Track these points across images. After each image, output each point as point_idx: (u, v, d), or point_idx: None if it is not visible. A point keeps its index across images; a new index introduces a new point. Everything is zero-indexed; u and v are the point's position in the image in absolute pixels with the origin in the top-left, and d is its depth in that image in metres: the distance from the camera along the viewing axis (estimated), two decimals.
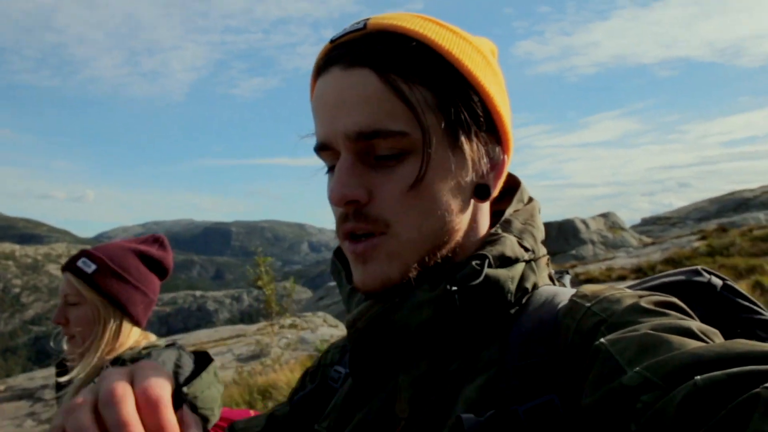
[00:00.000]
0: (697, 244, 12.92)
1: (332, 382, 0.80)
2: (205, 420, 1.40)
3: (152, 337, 1.65)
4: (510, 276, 0.63)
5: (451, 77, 0.63)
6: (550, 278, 0.71)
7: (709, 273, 0.71)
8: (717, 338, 0.48)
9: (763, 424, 0.34)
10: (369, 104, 0.61)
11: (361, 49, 0.62)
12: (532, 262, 0.67)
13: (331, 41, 0.65)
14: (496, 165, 0.68)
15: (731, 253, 10.86)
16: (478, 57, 0.66)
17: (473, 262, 0.62)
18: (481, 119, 0.65)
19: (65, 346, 1.57)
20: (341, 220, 0.64)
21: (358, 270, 0.64)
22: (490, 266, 0.62)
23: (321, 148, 0.65)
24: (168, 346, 1.59)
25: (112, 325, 1.53)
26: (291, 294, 10.94)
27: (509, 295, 0.63)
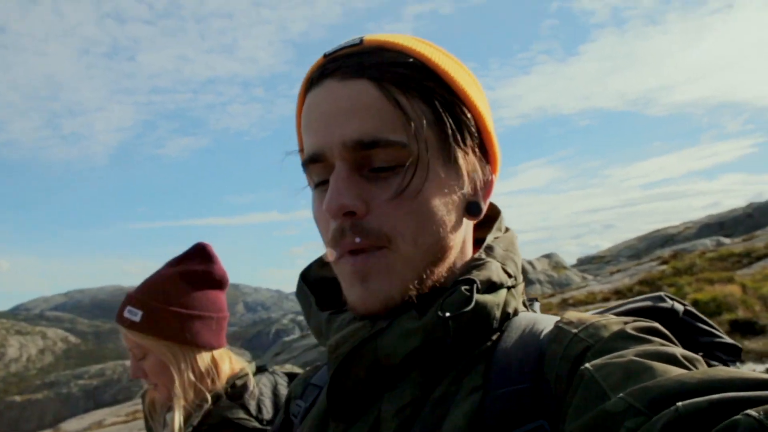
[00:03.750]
0: (661, 267, 14.12)
1: (293, 417, 0.79)
2: None
3: (241, 361, 1.57)
4: (496, 302, 0.63)
5: (446, 94, 0.64)
6: (524, 304, 0.72)
7: (672, 299, 0.74)
8: (700, 365, 0.49)
9: None
10: (368, 114, 0.61)
11: (359, 62, 0.62)
12: (513, 289, 0.67)
13: (325, 55, 0.66)
14: (485, 183, 0.69)
15: (695, 272, 12.02)
16: (469, 78, 0.68)
17: (462, 288, 0.61)
18: (475, 136, 0.67)
19: (155, 396, 1.49)
20: (338, 235, 0.62)
21: (355, 289, 0.63)
22: (477, 291, 0.62)
23: (312, 161, 0.64)
24: (259, 369, 1.55)
25: (186, 363, 1.44)
26: None
27: (494, 321, 0.63)
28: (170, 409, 1.44)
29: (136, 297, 1.46)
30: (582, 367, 0.50)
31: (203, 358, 1.47)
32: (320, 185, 0.66)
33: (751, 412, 0.36)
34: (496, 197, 0.73)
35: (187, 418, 1.40)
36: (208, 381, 1.46)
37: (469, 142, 0.66)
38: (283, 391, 1.48)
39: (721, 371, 0.44)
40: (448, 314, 0.59)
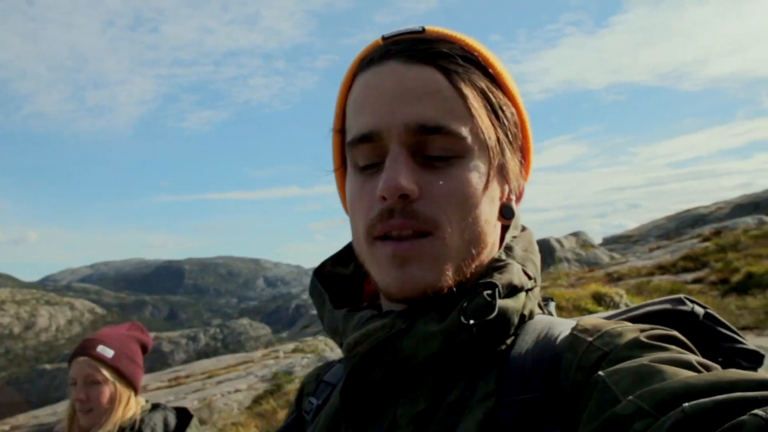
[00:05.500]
0: (703, 244, 14.23)
1: (305, 414, 0.78)
2: None
3: (142, 401, 2.04)
4: (516, 309, 0.63)
5: (501, 95, 0.66)
6: (539, 306, 0.71)
7: (692, 302, 0.72)
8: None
9: None
10: (434, 99, 0.61)
11: (425, 48, 0.62)
12: (530, 291, 0.66)
13: (384, 38, 0.66)
14: (519, 190, 0.70)
15: (740, 249, 12.00)
16: (519, 93, 0.69)
17: (485, 293, 0.61)
18: (519, 141, 0.68)
19: (82, 419, 1.91)
20: (385, 216, 0.61)
21: (392, 273, 0.62)
22: (499, 296, 0.61)
23: (363, 140, 0.63)
24: (154, 407, 2.02)
25: (124, 399, 1.92)
26: None
27: (512, 328, 0.63)
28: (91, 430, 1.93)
29: (109, 340, 1.97)
30: (595, 375, 0.51)
31: (132, 399, 1.98)
32: (366, 169, 0.65)
33: (758, 411, 0.37)
34: None
35: None
36: (124, 416, 1.93)
37: (516, 145, 0.68)
38: (172, 422, 1.96)
39: (730, 373, 0.44)
40: (472, 322, 0.58)
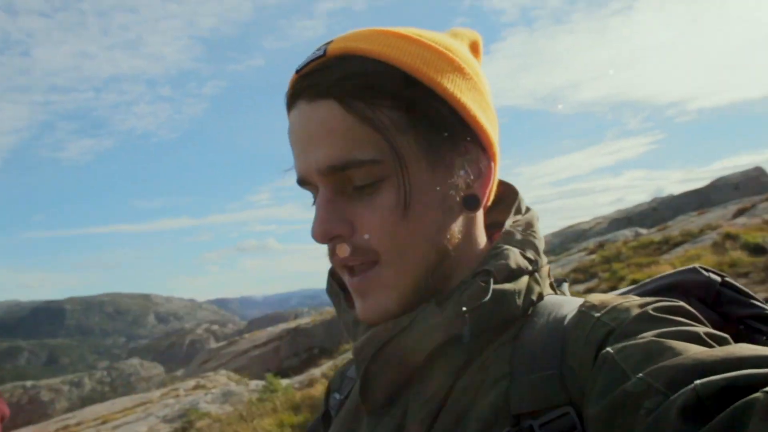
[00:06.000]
0: (590, 257, 15.34)
1: (331, 410, 0.80)
2: None
3: None
4: (516, 289, 0.63)
5: (417, 92, 0.62)
6: (551, 287, 0.71)
7: (707, 270, 0.72)
8: (725, 343, 0.48)
9: (760, 427, 0.35)
10: (335, 136, 0.60)
11: (322, 80, 0.61)
12: (536, 273, 0.67)
13: (297, 72, 0.64)
14: (481, 173, 0.67)
15: (622, 259, 13.10)
16: (447, 65, 0.64)
17: (479, 281, 0.62)
18: (458, 129, 0.64)
19: None
20: (330, 254, 0.65)
21: (358, 303, 0.65)
22: (495, 281, 0.62)
23: (300, 183, 0.66)
24: None
25: None
26: (277, 389, 11.01)
27: (516, 309, 0.63)
28: None
29: None
30: (603, 351, 0.51)
31: None
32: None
33: None
34: None
35: None
36: None
37: (450, 136, 0.64)
38: None
39: (741, 348, 0.44)
40: (464, 309, 0.60)
